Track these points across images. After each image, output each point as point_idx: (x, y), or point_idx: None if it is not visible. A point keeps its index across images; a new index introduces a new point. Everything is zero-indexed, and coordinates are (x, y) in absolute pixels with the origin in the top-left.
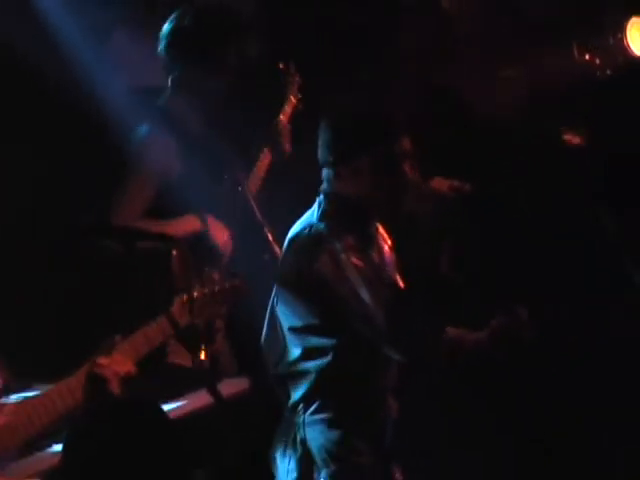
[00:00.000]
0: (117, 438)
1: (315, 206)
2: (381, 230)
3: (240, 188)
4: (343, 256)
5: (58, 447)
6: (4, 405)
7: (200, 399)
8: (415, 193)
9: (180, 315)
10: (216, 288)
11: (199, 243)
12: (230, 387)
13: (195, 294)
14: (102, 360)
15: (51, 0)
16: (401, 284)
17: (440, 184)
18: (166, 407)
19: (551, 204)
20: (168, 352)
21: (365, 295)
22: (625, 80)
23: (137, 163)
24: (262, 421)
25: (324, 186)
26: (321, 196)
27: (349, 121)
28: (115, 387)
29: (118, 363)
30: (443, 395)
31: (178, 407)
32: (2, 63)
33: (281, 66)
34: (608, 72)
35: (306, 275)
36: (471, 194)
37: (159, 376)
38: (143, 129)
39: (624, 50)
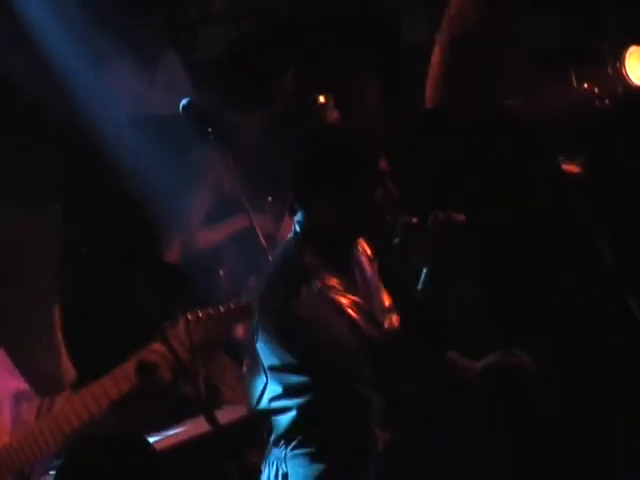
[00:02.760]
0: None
1: (291, 237)
2: (364, 247)
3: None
4: (322, 295)
5: None
6: (55, 398)
7: (199, 426)
8: (405, 226)
9: (184, 336)
10: (221, 308)
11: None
12: (229, 414)
13: (199, 314)
14: (155, 347)
15: (50, 28)
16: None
17: (438, 216)
18: (165, 433)
19: (548, 235)
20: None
21: (346, 334)
22: (624, 109)
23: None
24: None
25: (298, 216)
26: (296, 226)
27: (320, 146)
28: (166, 373)
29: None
30: (433, 426)
31: (177, 434)
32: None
33: (322, 99)
34: (607, 101)
35: (284, 316)
36: (467, 225)
37: (159, 402)
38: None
39: (623, 79)
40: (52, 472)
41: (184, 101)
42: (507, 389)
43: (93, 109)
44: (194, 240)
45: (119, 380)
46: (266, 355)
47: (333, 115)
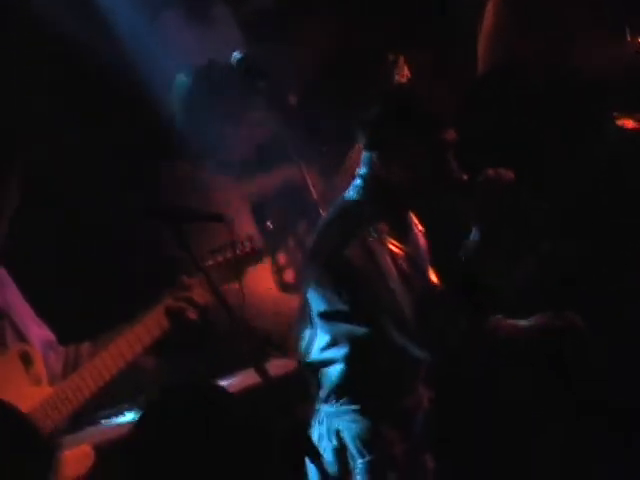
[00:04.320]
0: (187, 423)
1: (352, 189)
2: (413, 217)
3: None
4: (376, 243)
5: (114, 420)
6: (80, 347)
7: (250, 377)
8: (459, 187)
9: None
10: (237, 251)
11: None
12: (278, 367)
13: (218, 259)
14: (180, 293)
15: None
16: (433, 276)
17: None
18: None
19: (603, 195)
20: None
21: (395, 285)
22: None
23: None
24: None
25: (362, 169)
26: (358, 180)
27: (394, 106)
28: (194, 315)
29: (196, 294)
30: (476, 384)
31: (227, 385)
32: (55, 43)
33: (391, 58)
34: None
35: (336, 260)
36: (515, 184)
37: (209, 354)
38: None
39: None
40: (103, 421)
41: (237, 54)
42: (554, 349)
43: (144, 60)
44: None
45: (150, 326)
46: (316, 302)
47: (404, 73)
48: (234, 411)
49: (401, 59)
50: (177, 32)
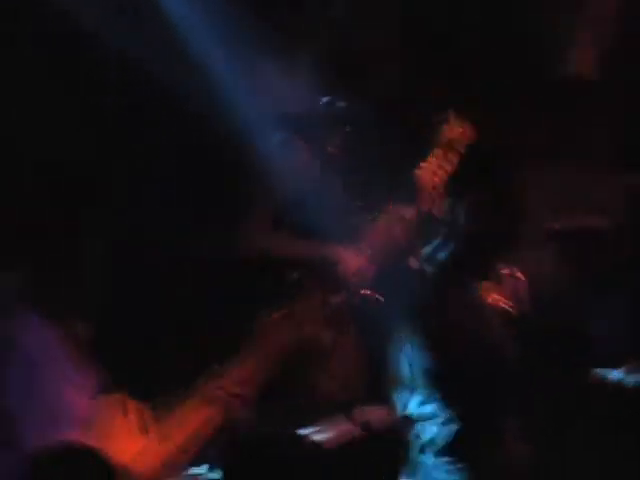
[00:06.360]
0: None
1: (440, 238)
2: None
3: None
4: (470, 295)
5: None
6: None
7: (344, 429)
8: None
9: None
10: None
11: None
12: (375, 419)
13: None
14: (217, 382)
15: (199, 31)
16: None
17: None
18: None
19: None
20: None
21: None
22: None
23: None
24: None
25: (446, 217)
26: (445, 228)
27: (482, 154)
28: (236, 410)
29: (235, 384)
30: None
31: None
32: (151, 92)
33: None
34: None
35: (432, 313)
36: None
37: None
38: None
39: None
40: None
41: (326, 99)
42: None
43: (239, 110)
44: None
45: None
46: (418, 359)
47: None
48: (322, 465)
49: (451, 115)
50: (274, 81)
